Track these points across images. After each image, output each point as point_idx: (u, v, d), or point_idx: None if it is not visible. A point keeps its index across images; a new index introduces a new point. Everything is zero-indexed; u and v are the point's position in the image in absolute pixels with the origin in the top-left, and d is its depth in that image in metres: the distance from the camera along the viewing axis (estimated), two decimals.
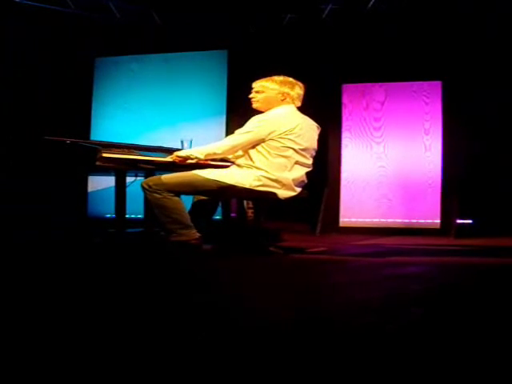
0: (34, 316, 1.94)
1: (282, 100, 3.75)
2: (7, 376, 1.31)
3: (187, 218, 3.65)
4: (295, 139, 3.67)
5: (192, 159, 3.74)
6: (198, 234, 3.67)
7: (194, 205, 3.98)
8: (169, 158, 3.79)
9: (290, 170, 3.69)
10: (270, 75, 3.83)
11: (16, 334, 1.69)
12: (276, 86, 3.75)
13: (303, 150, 3.73)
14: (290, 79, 3.81)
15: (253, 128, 3.66)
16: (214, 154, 3.72)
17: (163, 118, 6.35)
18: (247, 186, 3.62)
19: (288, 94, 3.75)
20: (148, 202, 3.68)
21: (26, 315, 1.94)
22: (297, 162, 3.71)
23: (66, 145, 3.65)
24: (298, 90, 3.79)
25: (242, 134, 3.67)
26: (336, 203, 6.11)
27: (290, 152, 3.67)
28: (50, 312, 2.02)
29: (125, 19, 6.36)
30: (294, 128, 3.67)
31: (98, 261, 3.53)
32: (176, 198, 3.62)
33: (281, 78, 3.80)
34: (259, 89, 3.78)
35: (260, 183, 3.63)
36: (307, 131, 3.77)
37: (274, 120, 3.67)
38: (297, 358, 1.47)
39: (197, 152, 3.74)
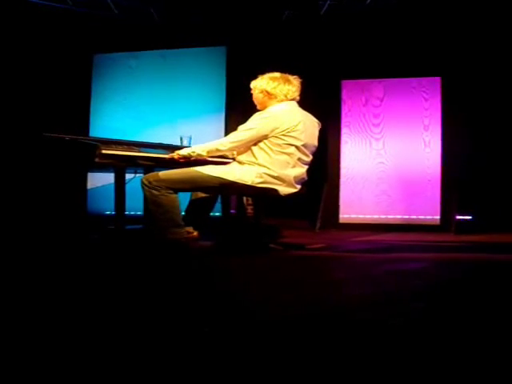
0: (34, 314, 1.93)
1: (269, 98, 3.73)
2: (7, 376, 1.31)
3: (180, 217, 3.65)
4: (298, 136, 3.66)
5: (194, 157, 3.74)
6: (187, 233, 3.67)
7: (192, 202, 3.97)
8: (169, 156, 3.78)
9: (292, 167, 3.68)
10: (269, 71, 3.82)
11: (15, 332, 1.68)
12: (258, 85, 3.75)
13: (305, 147, 3.72)
14: (277, 75, 3.75)
15: (256, 125, 3.65)
16: (218, 150, 3.71)
17: (162, 115, 6.34)
18: (249, 183, 3.61)
19: (268, 92, 3.71)
20: (145, 198, 3.67)
21: (25, 313, 1.94)
22: (299, 159, 3.71)
23: (65, 141, 3.64)
24: (293, 85, 3.73)
25: (245, 131, 3.66)
26: (335, 199, 6.11)
27: (293, 149, 3.66)
28: (50, 310, 2.01)
29: (123, 16, 6.34)
30: (297, 125, 3.66)
31: (97, 258, 3.53)
32: (173, 196, 3.61)
33: (270, 74, 3.77)
34: (254, 87, 3.80)
35: (261, 180, 3.62)
36: (309, 128, 3.76)
37: (277, 117, 3.66)
38: (297, 353, 1.47)
39: (199, 149, 3.73)
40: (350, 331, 1.71)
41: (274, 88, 3.71)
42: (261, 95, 3.75)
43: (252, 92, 3.81)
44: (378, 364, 1.39)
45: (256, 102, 3.81)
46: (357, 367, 1.37)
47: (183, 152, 3.76)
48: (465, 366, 1.38)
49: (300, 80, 3.80)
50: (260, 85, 3.75)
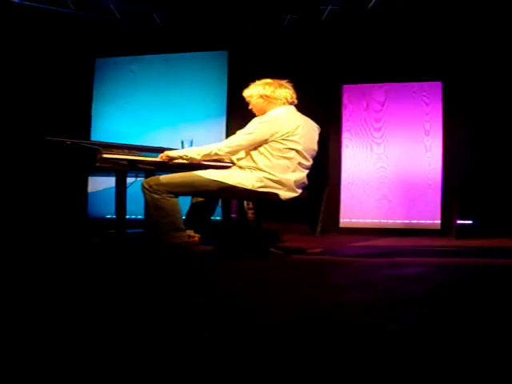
0: (34, 317, 1.94)
1: (269, 103, 3.73)
2: (7, 376, 1.31)
3: (180, 221, 3.64)
4: (298, 140, 3.66)
5: (186, 160, 3.72)
6: (188, 237, 3.66)
7: (193, 205, 3.97)
8: (158, 158, 3.77)
9: (292, 172, 3.68)
10: (270, 76, 3.83)
11: (16, 334, 1.69)
12: (254, 91, 3.75)
13: (305, 151, 3.72)
14: (269, 80, 3.77)
15: (254, 130, 3.64)
16: (216, 154, 3.71)
17: (163, 119, 6.35)
18: (249, 187, 3.61)
19: (268, 97, 3.71)
20: (145, 202, 3.67)
21: (25, 315, 1.94)
22: (299, 164, 3.71)
23: (66, 145, 3.65)
24: (280, 91, 3.73)
25: (244, 136, 3.66)
26: (336, 204, 6.11)
27: (293, 153, 3.66)
28: (50, 313, 2.02)
29: (125, 20, 6.36)
30: (296, 129, 3.66)
31: (98, 262, 3.53)
32: (174, 200, 3.60)
33: (262, 80, 3.78)
34: (247, 99, 3.81)
35: (262, 184, 3.62)
36: (308, 132, 3.77)
37: (276, 121, 3.66)
38: (297, 358, 1.47)
39: (192, 152, 3.72)
40: (349, 336, 1.71)
41: (273, 92, 3.72)
42: (260, 100, 3.74)
43: (248, 100, 3.80)
44: (377, 369, 1.39)
45: (255, 109, 3.79)
46: (356, 372, 1.37)
47: (173, 153, 3.75)
48: (463, 370, 1.38)
49: (291, 84, 3.81)
50: (257, 91, 3.74)
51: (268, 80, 3.78)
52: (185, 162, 3.73)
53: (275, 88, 3.72)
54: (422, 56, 5.84)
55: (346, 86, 6.19)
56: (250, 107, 3.83)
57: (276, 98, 3.72)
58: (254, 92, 3.77)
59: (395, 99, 6.07)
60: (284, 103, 3.73)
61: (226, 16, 6.12)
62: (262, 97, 3.73)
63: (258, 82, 3.79)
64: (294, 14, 6.16)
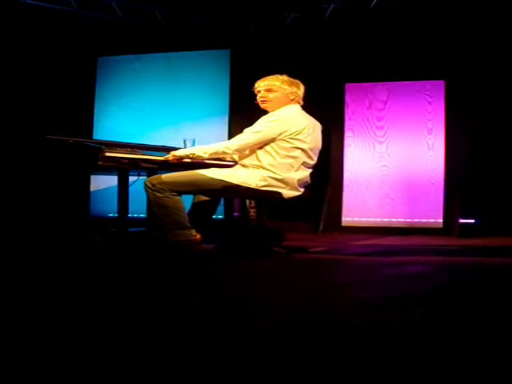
0: (35, 314, 1.94)
1: (292, 100, 3.74)
2: (7, 376, 1.31)
3: (185, 219, 3.63)
4: (304, 139, 3.66)
5: (193, 159, 3.72)
6: (193, 235, 3.66)
7: (195, 205, 3.97)
8: (164, 158, 3.77)
9: (296, 171, 3.68)
10: (273, 74, 3.82)
11: (16, 333, 1.69)
12: (286, 86, 3.73)
13: (310, 150, 3.72)
14: (293, 79, 3.80)
15: (263, 128, 3.63)
16: (223, 153, 3.70)
17: (166, 118, 6.35)
18: (253, 186, 3.61)
19: (296, 94, 3.74)
20: (148, 201, 3.66)
21: (26, 314, 1.95)
22: (303, 163, 3.70)
23: (68, 144, 3.65)
24: (302, 90, 3.79)
25: (252, 134, 3.64)
26: (338, 202, 6.11)
27: (298, 152, 3.66)
28: (51, 311, 2.02)
29: (127, 18, 6.36)
30: (304, 129, 3.65)
31: (99, 260, 3.53)
32: (177, 198, 3.60)
33: (285, 77, 3.77)
34: (270, 87, 3.72)
35: (266, 183, 3.62)
36: (314, 131, 3.76)
37: (285, 120, 3.65)
38: (298, 357, 1.47)
39: (200, 151, 3.72)
40: (350, 334, 1.71)
41: (299, 89, 3.74)
42: (290, 95, 3.71)
43: (273, 90, 3.71)
44: (379, 367, 1.39)
45: (274, 102, 3.71)
46: (357, 371, 1.37)
47: (180, 153, 3.74)
48: (465, 369, 1.38)
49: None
50: (284, 86, 3.70)
51: (292, 79, 3.77)
52: (192, 160, 3.73)
53: (297, 88, 3.75)
54: (425, 55, 5.83)
55: (348, 85, 6.19)
56: (262, 98, 3.73)
57: (300, 98, 3.75)
58: (285, 86, 3.71)
59: (398, 98, 6.07)
60: (296, 103, 3.74)
61: (228, 14, 6.12)
62: (293, 93, 3.72)
63: (284, 78, 3.74)
64: (297, 12, 6.16)
